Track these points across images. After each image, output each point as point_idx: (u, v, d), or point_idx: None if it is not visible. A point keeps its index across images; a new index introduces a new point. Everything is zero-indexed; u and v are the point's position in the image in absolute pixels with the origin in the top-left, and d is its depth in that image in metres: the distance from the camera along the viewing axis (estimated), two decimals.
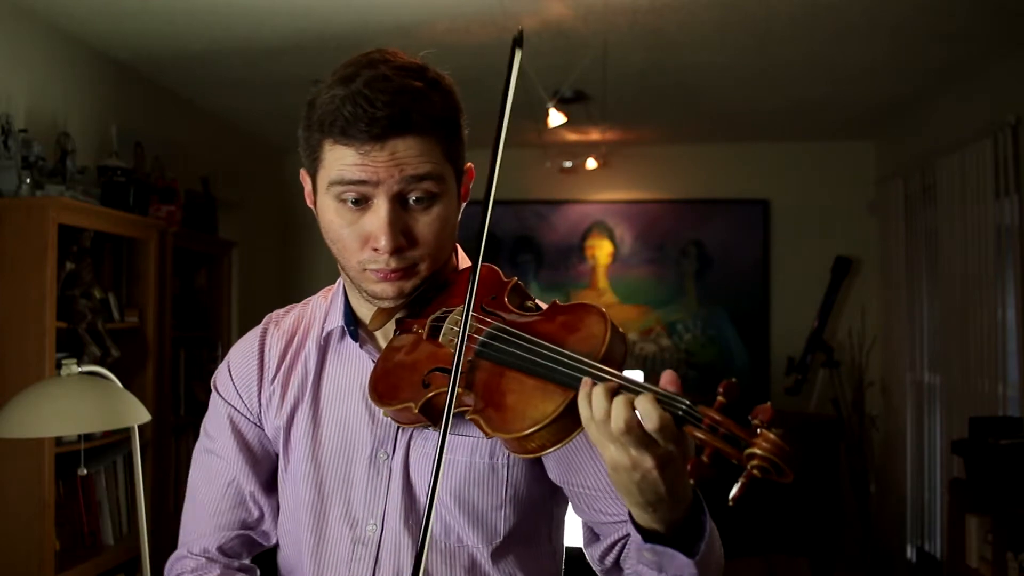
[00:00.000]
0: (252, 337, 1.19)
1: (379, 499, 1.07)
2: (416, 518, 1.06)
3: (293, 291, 5.35)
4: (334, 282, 1.19)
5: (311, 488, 1.10)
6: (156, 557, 1.98)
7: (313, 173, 1.03)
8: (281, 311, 1.21)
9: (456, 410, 0.94)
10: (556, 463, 1.07)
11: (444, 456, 1.05)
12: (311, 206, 1.07)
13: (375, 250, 0.99)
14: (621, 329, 0.91)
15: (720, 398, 0.80)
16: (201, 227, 3.99)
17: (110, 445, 3.05)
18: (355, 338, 1.11)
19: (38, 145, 2.90)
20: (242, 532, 1.16)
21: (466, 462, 1.06)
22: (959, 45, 3.48)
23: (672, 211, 5.40)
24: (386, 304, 1.05)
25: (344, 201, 0.99)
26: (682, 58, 3.68)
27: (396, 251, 0.99)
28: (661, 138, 5.26)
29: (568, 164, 4.99)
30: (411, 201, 0.99)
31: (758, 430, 0.77)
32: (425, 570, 1.06)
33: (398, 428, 1.07)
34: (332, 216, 1.01)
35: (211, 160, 4.40)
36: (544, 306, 1.02)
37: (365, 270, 1.02)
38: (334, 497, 1.09)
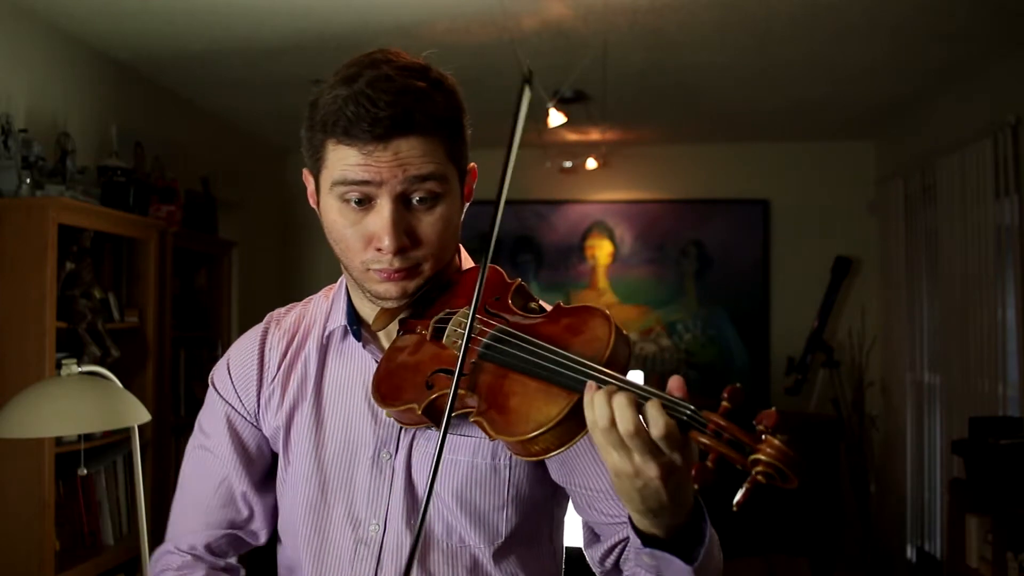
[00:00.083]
0: (253, 336, 1.18)
1: (382, 499, 1.07)
2: (419, 518, 1.06)
3: (293, 291, 5.34)
4: (334, 282, 1.19)
5: (314, 488, 1.10)
6: None
7: (316, 173, 1.03)
8: (282, 310, 1.21)
9: (460, 412, 0.94)
10: (558, 464, 1.07)
11: (446, 456, 1.05)
12: (314, 206, 1.07)
13: (378, 250, 0.99)
14: (624, 331, 0.91)
15: (725, 403, 0.80)
16: (201, 227, 3.99)
17: (110, 445, 3.05)
18: (358, 338, 1.11)
19: (38, 145, 2.89)
20: (230, 531, 1.16)
21: (468, 462, 1.06)
22: (959, 45, 3.48)
23: (672, 211, 5.40)
24: (389, 304, 1.05)
25: (347, 201, 0.99)
26: (682, 58, 3.68)
27: (399, 251, 0.99)
28: (661, 138, 5.26)
29: (568, 164, 4.99)
30: (414, 201, 0.99)
31: (763, 436, 0.77)
32: (427, 570, 1.06)
33: (400, 428, 1.07)
34: (335, 216, 1.01)
35: (211, 160, 4.40)
36: (548, 307, 1.01)
37: (368, 270, 1.02)
38: (336, 497, 1.09)
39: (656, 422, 0.79)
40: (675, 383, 0.84)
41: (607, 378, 0.84)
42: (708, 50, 3.56)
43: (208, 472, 1.15)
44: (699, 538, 0.90)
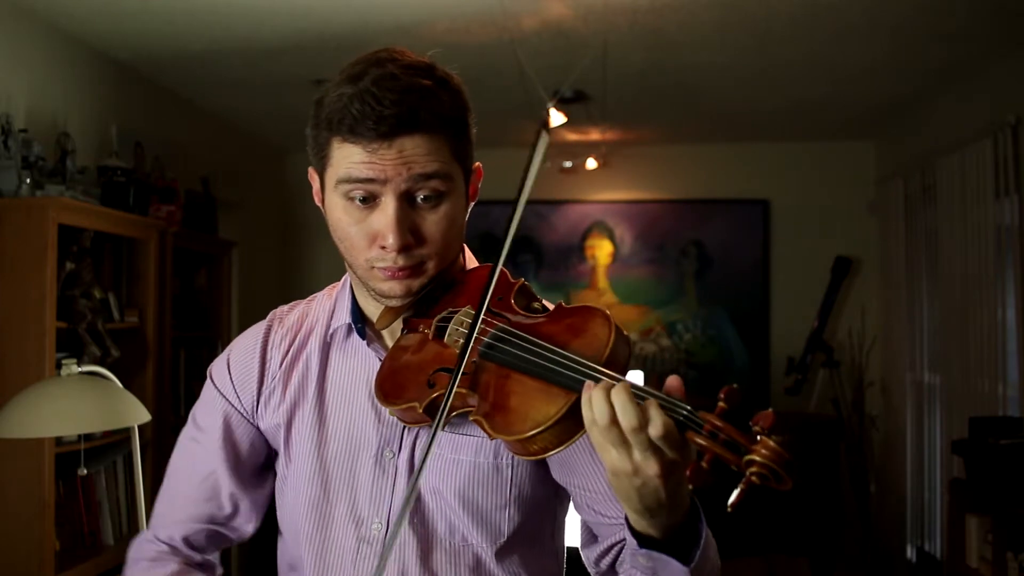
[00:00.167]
0: (256, 333, 1.18)
1: (384, 498, 1.07)
2: (421, 517, 1.07)
3: (293, 291, 5.34)
4: (335, 282, 1.19)
5: (316, 486, 1.10)
6: None
7: (321, 171, 1.03)
8: (286, 307, 1.21)
9: (460, 411, 0.94)
10: (558, 463, 1.07)
11: (449, 456, 1.05)
12: (319, 204, 1.07)
13: (383, 248, 0.99)
14: (625, 332, 0.91)
15: (721, 403, 0.80)
16: (201, 227, 3.99)
17: (110, 445, 3.05)
18: (363, 336, 1.11)
19: (38, 145, 2.89)
20: (210, 526, 1.16)
21: (471, 462, 1.06)
22: (959, 45, 3.49)
23: (672, 211, 5.40)
24: (393, 303, 1.05)
25: (352, 199, 0.99)
26: (682, 58, 3.68)
27: (403, 249, 0.99)
28: (661, 138, 5.26)
29: (568, 164, 4.99)
30: (419, 199, 0.99)
31: (758, 437, 0.77)
32: (430, 569, 1.06)
33: (404, 427, 1.07)
34: (340, 214, 1.01)
35: (211, 160, 4.40)
36: (551, 307, 1.02)
37: (373, 268, 1.02)
38: (339, 495, 1.09)
39: (654, 421, 0.80)
40: (673, 383, 0.84)
41: (605, 378, 0.84)
42: (708, 50, 3.56)
43: (195, 465, 1.16)
44: (695, 539, 0.90)
